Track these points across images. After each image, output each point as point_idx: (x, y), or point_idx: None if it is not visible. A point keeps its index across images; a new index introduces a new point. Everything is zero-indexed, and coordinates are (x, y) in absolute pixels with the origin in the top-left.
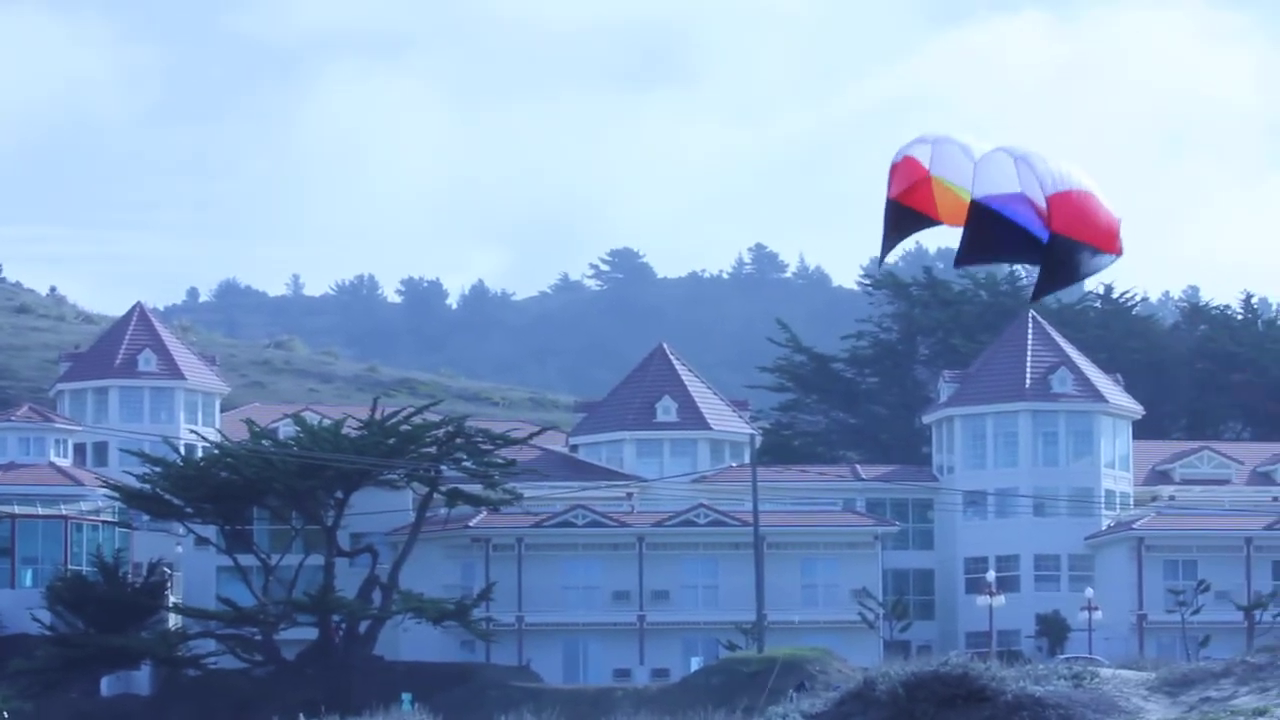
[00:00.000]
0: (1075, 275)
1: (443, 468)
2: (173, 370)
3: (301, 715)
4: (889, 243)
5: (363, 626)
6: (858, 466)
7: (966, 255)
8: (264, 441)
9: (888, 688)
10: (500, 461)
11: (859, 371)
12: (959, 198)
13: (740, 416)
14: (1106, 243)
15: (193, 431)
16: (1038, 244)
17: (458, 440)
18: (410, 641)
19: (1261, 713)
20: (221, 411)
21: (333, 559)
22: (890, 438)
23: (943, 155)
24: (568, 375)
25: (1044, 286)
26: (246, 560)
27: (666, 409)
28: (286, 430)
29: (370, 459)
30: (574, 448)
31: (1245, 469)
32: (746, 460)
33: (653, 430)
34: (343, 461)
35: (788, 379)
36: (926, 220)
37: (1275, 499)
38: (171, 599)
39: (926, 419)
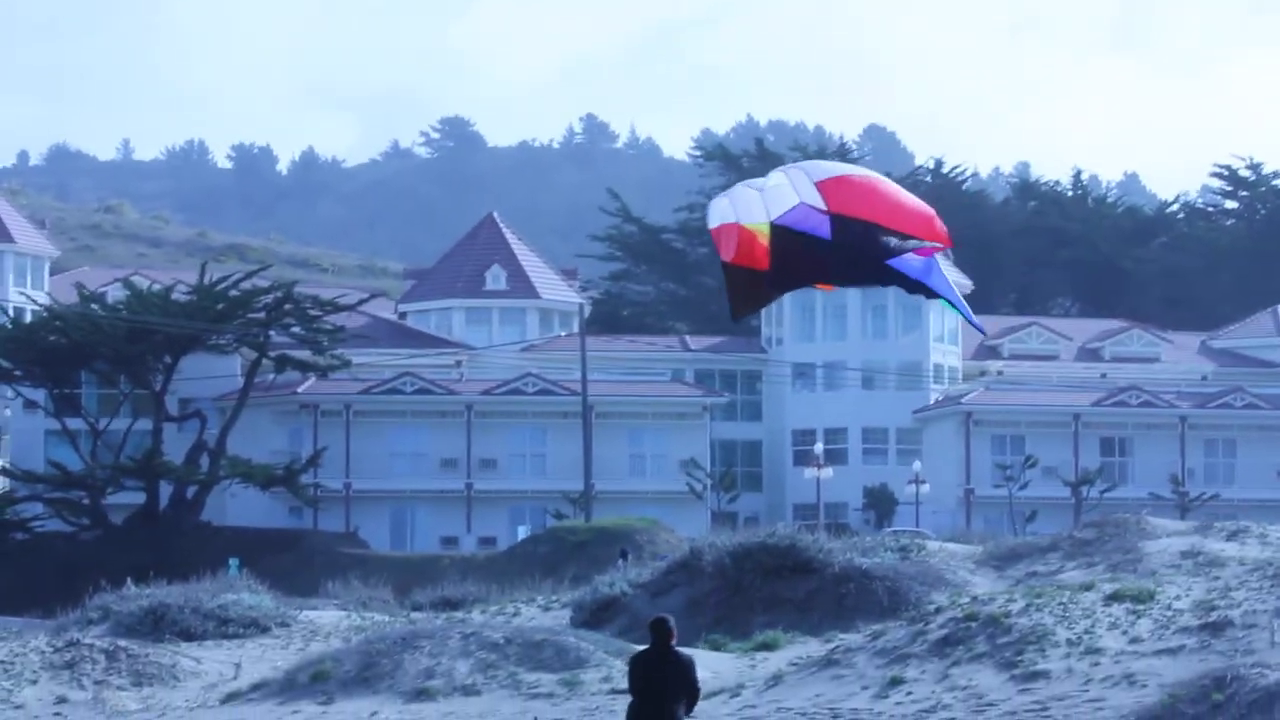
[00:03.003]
0: (883, 267)
1: (271, 333)
2: (2, 233)
3: (129, 580)
4: (738, 307)
5: (190, 492)
6: (687, 337)
7: (777, 284)
8: (93, 305)
9: (714, 558)
10: (329, 328)
11: (689, 242)
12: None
13: (570, 286)
14: (916, 226)
15: (22, 294)
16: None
17: (286, 306)
18: (238, 507)
19: (1088, 587)
20: (51, 275)
21: (161, 424)
22: (720, 309)
23: (741, 200)
24: (397, 243)
25: (843, 279)
26: (75, 424)
27: (496, 277)
28: (116, 294)
29: (199, 324)
30: (403, 315)
31: (1074, 345)
32: (575, 329)
33: (482, 298)
34: (171, 326)
35: (618, 249)
36: (762, 276)
37: (1103, 375)
38: None
39: None
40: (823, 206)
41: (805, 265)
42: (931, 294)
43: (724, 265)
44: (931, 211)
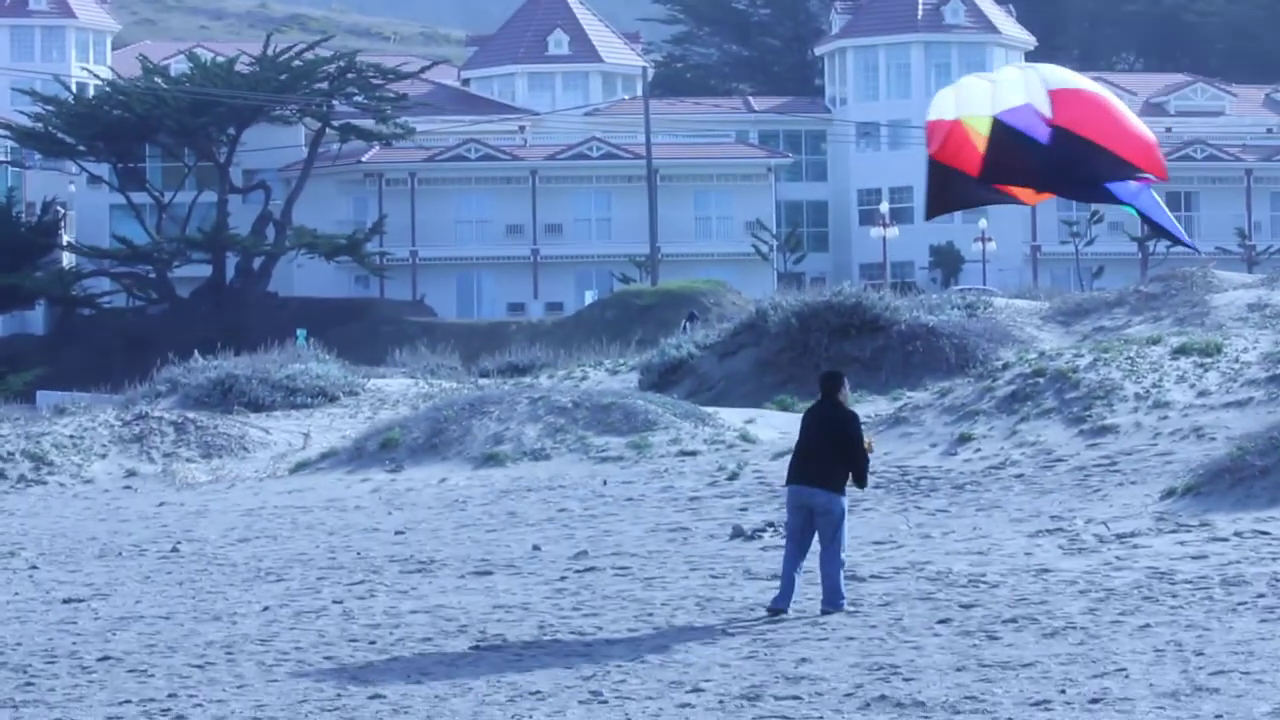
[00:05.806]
0: (1096, 186)
1: (335, 103)
2: (63, 8)
3: (196, 352)
4: (932, 205)
5: (257, 263)
6: (750, 99)
7: (986, 179)
8: (156, 78)
9: (780, 318)
10: (392, 96)
11: (751, 3)
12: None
13: (632, 49)
14: (1138, 155)
15: (84, 69)
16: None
17: (349, 75)
18: (304, 278)
19: (1155, 341)
20: (113, 50)
21: (226, 196)
22: (783, 70)
23: (967, 91)
24: (459, 10)
25: (1052, 189)
26: (140, 198)
27: (558, 42)
28: (179, 67)
29: (262, 95)
30: (466, 81)
31: (1139, 100)
32: (639, 93)
33: (544, 63)
34: (235, 97)
35: (680, 11)
36: (965, 179)
37: (1168, 130)
38: (65, 238)
39: (819, 50)
40: (1048, 115)
41: (1018, 167)
42: (1143, 218)
43: (928, 160)
44: (1154, 140)
